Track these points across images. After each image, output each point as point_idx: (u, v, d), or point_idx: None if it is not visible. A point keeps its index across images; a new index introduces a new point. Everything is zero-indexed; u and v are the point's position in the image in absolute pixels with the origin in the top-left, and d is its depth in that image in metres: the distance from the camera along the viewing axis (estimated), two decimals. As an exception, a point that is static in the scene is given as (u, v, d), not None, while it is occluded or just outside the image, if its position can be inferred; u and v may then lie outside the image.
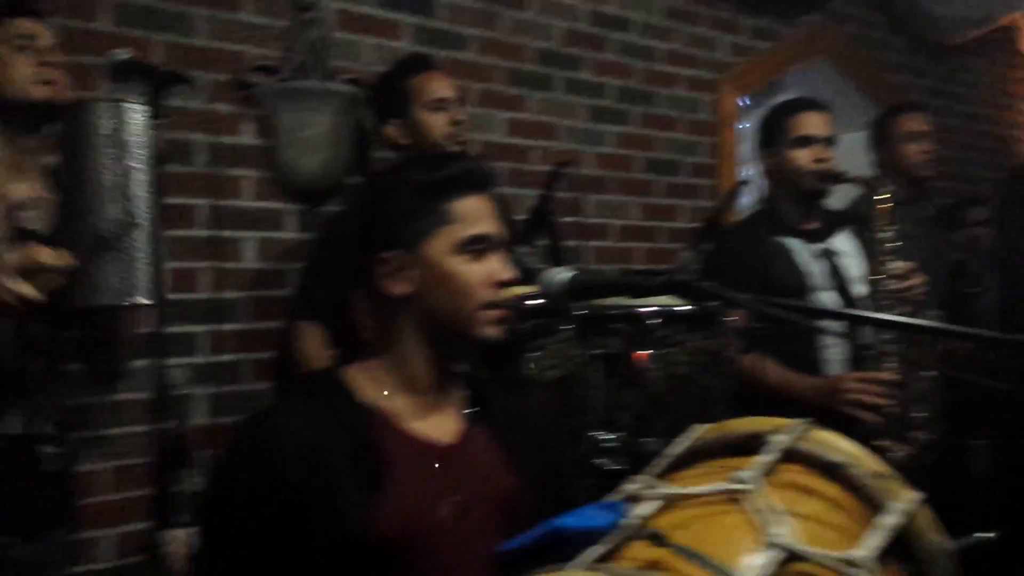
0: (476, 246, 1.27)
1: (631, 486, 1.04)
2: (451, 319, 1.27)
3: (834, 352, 2.58)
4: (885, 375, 2.45)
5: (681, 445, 1.25)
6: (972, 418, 2.61)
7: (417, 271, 1.26)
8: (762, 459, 1.23)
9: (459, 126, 2.36)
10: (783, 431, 1.30)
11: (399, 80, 2.37)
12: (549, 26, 3.18)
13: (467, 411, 1.33)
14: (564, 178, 2.43)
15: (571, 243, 3.25)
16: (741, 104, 4.02)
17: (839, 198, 3.03)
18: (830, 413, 2.49)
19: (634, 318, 2.22)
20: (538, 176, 3.11)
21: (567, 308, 1.95)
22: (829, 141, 2.63)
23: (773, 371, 2.54)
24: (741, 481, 1.08)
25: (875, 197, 2.58)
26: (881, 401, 2.43)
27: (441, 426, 1.29)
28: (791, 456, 1.26)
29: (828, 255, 2.64)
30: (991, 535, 1.79)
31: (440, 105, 2.33)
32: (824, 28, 3.97)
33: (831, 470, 1.23)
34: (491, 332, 1.28)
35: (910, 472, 2.46)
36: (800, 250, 2.63)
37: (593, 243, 3.32)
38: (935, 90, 4.52)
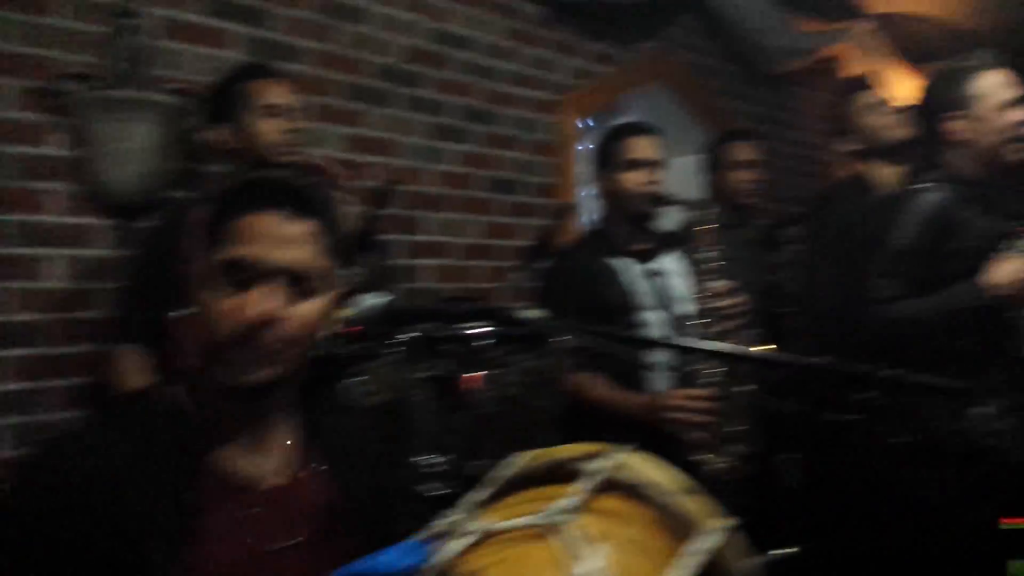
0: (236, 273, 1.12)
1: (446, 520, 1.01)
2: (208, 358, 1.13)
3: (660, 365, 2.66)
4: (705, 391, 2.54)
5: (503, 473, 1.24)
6: (784, 431, 2.74)
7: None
8: (581, 487, 1.23)
9: (293, 135, 2.31)
10: (603, 457, 1.32)
11: (232, 84, 2.30)
12: (389, 42, 3.16)
13: (298, 442, 1.26)
14: (392, 197, 2.40)
15: (409, 262, 3.24)
16: (582, 126, 4.12)
17: (671, 220, 3.14)
18: (656, 429, 2.57)
19: (465, 339, 2.21)
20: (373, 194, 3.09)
21: (382, 334, 1.92)
22: (658, 164, 2.71)
23: (600, 389, 2.60)
24: (556, 512, 1.08)
25: (698, 219, 2.69)
26: (702, 418, 2.52)
27: (266, 463, 1.21)
28: (609, 483, 1.28)
29: (656, 275, 2.71)
30: (792, 550, 1.87)
31: (272, 111, 2.28)
32: (661, 55, 4.11)
33: (646, 495, 1.25)
34: (241, 375, 1.12)
35: (728, 485, 2.57)
36: (629, 270, 2.70)
37: (434, 261, 3.30)
38: (764, 117, 4.76)
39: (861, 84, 3.53)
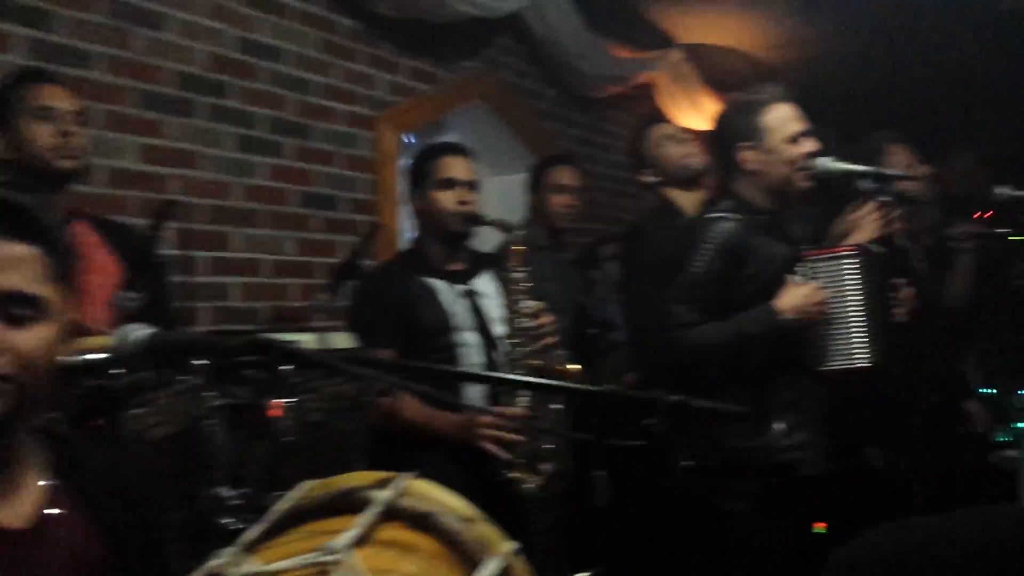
0: None
1: (215, 562, 0.95)
2: None
3: (472, 391, 2.64)
4: (518, 410, 2.55)
5: (281, 508, 1.17)
6: (594, 448, 2.78)
7: None
8: (362, 520, 1.18)
9: (66, 139, 2.16)
10: (386, 486, 1.27)
11: (5, 89, 2.16)
12: (191, 49, 3.00)
13: (47, 483, 1.16)
14: (169, 215, 2.28)
15: (217, 280, 3.09)
16: (407, 142, 4.08)
17: (488, 240, 3.15)
18: (469, 448, 2.55)
19: (266, 364, 2.11)
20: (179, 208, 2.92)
21: (144, 367, 1.80)
22: (472, 185, 2.71)
23: (412, 410, 2.55)
24: (332, 550, 1.03)
25: (511, 240, 2.70)
26: (514, 437, 2.52)
27: (11, 507, 1.11)
28: (393, 512, 1.23)
29: (471, 296, 2.70)
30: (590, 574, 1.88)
31: (45, 114, 2.14)
32: (481, 74, 4.14)
33: (432, 524, 1.21)
34: None
35: (541, 503, 2.58)
36: (444, 291, 2.67)
37: (243, 279, 3.16)
38: (584, 139, 4.88)
39: (657, 117, 3.68)
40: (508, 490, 2.57)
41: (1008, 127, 5.60)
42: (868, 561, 1.10)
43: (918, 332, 2.88)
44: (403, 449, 2.61)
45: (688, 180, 3.35)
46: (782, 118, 2.62)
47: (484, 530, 1.23)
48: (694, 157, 3.33)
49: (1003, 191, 3.47)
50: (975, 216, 4.20)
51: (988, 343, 4.41)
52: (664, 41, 4.99)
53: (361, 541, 1.17)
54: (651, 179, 3.43)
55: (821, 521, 2.92)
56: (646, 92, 5.10)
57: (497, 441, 2.50)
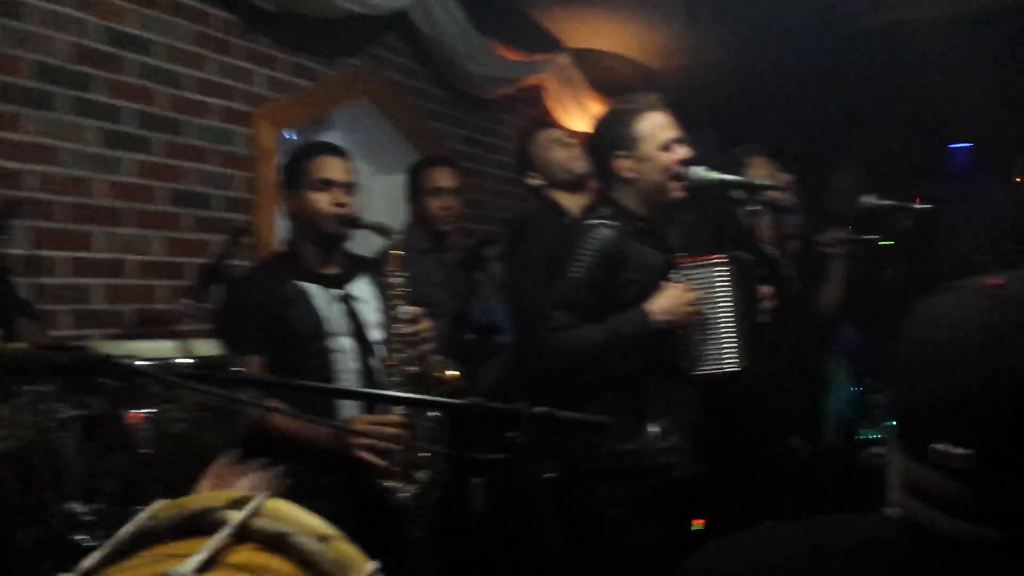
0: None
1: None
2: None
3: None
4: (394, 417, 2.51)
5: (127, 530, 1.11)
6: (471, 456, 2.77)
7: None
8: (211, 543, 1.13)
9: None
10: (240, 506, 1.21)
11: None
12: (51, 39, 2.84)
13: None
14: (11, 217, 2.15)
15: (78, 281, 2.93)
16: (288, 139, 3.97)
17: (368, 244, 3.09)
18: (343, 457, 2.49)
19: (124, 373, 2.02)
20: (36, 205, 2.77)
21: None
22: (349, 186, 2.65)
23: (283, 419, 2.48)
24: (179, 574, 0.98)
25: (390, 243, 2.65)
26: (390, 444, 2.48)
27: None
28: (246, 534, 1.18)
29: (347, 300, 2.64)
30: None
31: None
32: (367, 72, 4.06)
33: (284, 545, 1.16)
34: None
35: (416, 512, 2.54)
36: (319, 294, 2.60)
37: (107, 281, 3.01)
38: (471, 140, 4.86)
39: (545, 121, 3.70)
40: (383, 499, 2.53)
41: (876, 138, 5.87)
42: (719, 570, 1.10)
43: (787, 337, 2.97)
44: (274, 459, 2.53)
45: (573, 184, 3.37)
46: (655, 126, 2.66)
47: (343, 549, 1.19)
48: (579, 161, 3.35)
49: (868, 200, 3.62)
50: (847, 226, 4.38)
51: (855, 344, 4.60)
52: (552, 45, 5.02)
53: (209, 565, 1.12)
54: (537, 182, 3.44)
55: (695, 521, 2.99)
56: (534, 94, 5.12)
57: (372, 449, 2.46)
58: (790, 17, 4.13)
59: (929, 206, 3.66)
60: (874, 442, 4.16)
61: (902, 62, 4.93)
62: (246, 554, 1.15)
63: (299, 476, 2.49)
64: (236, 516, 1.17)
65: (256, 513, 1.19)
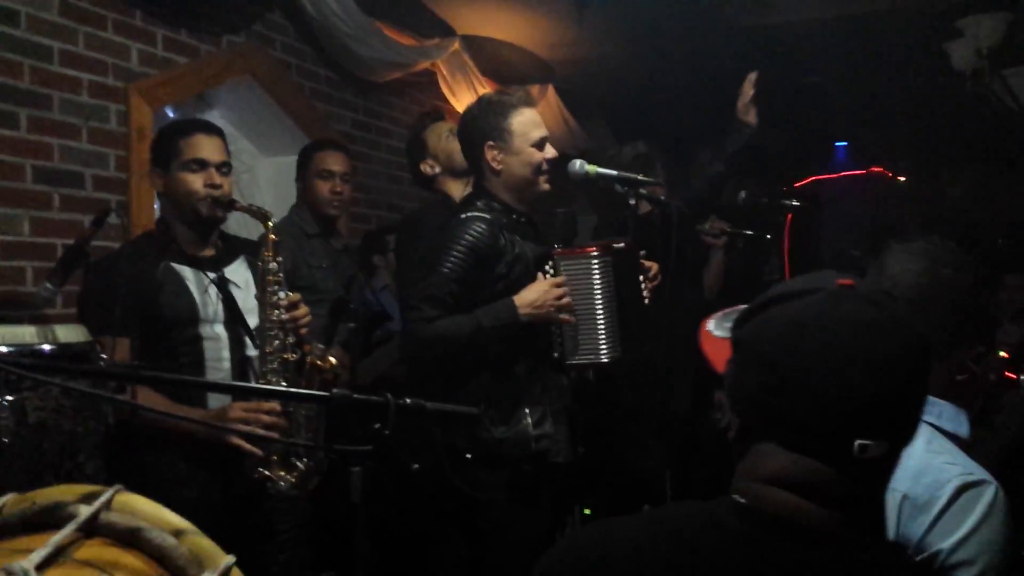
0: None
1: None
2: None
3: (220, 379, 2.53)
4: (272, 404, 2.46)
5: None
6: (335, 449, 2.75)
7: None
8: (56, 538, 1.09)
9: None
10: (90, 500, 1.17)
11: None
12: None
13: None
14: None
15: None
16: (169, 116, 3.83)
17: (251, 228, 3.02)
18: (217, 445, 2.44)
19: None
20: None
21: None
22: (224, 167, 2.57)
23: (157, 404, 2.40)
24: (14, 572, 0.95)
25: (269, 227, 2.59)
26: (268, 432, 2.45)
27: None
28: (96, 528, 1.14)
29: (222, 285, 2.57)
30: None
31: None
32: (249, 49, 3.95)
33: (136, 540, 1.13)
34: None
35: (295, 500, 2.50)
36: (192, 278, 2.53)
37: (-35, 261, 2.86)
38: (362, 123, 4.79)
39: (436, 115, 3.70)
40: (258, 489, 2.49)
41: (758, 135, 6.04)
42: (570, 564, 1.12)
43: (670, 322, 3.05)
44: (143, 448, 2.46)
45: (467, 173, 3.37)
46: (529, 123, 2.70)
47: (199, 544, 1.17)
48: None
49: (748, 196, 3.76)
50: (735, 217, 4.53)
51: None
52: (444, 31, 4.98)
53: (53, 560, 1.08)
54: (434, 169, 3.44)
55: (568, 507, 3.05)
56: (426, 80, 5.08)
57: (251, 437, 2.42)
58: (675, 15, 4.23)
59: (805, 204, 3.82)
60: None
61: (784, 62, 5.09)
62: (95, 549, 1.11)
63: (168, 465, 2.44)
64: (86, 510, 1.13)
65: (107, 507, 1.15)
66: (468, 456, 2.64)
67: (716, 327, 1.60)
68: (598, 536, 1.12)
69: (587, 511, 3.38)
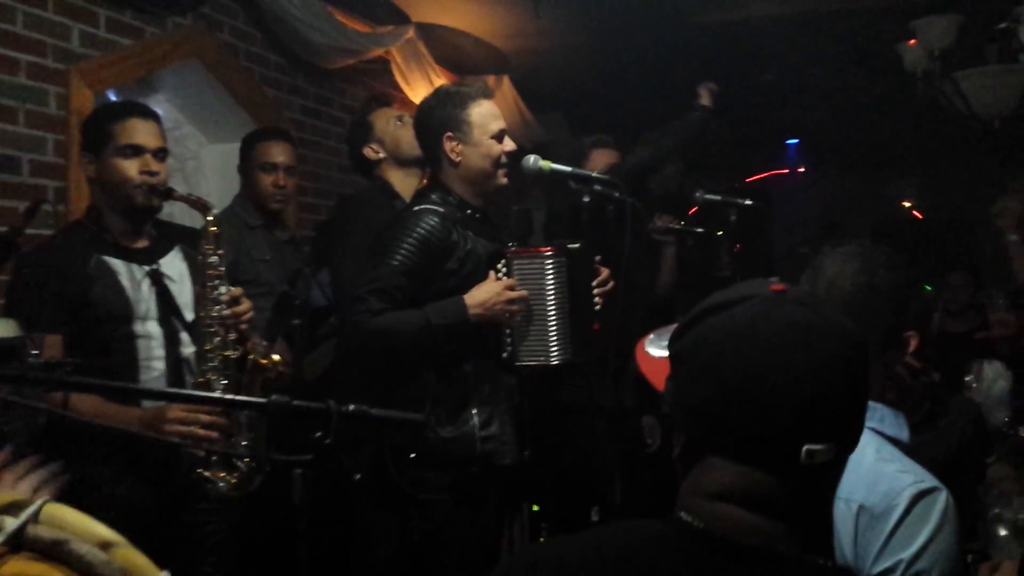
0: None
1: None
2: None
3: (158, 380, 2.45)
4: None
5: None
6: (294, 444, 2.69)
7: None
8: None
9: None
10: (17, 511, 1.11)
11: None
12: None
13: None
14: None
15: None
16: (111, 99, 3.71)
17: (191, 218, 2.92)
18: (156, 444, 2.36)
19: None
20: None
21: None
22: (160, 153, 2.47)
23: (90, 403, 2.31)
24: None
25: (209, 219, 2.51)
26: (207, 432, 2.38)
27: None
28: (21, 542, 1.08)
29: (156, 279, 2.48)
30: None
31: None
32: (196, 32, 3.83)
33: (62, 553, 1.07)
34: None
35: (233, 500, 2.43)
36: (125, 272, 2.43)
37: None
38: (312, 111, 4.69)
39: (384, 99, 3.63)
40: (193, 489, 2.43)
41: (713, 131, 6.07)
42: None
43: (626, 319, 3.03)
44: (75, 449, 2.37)
45: (413, 162, 3.31)
46: (488, 114, 2.66)
47: (130, 557, 1.12)
48: (415, 142, 3.31)
49: (699, 194, 3.76)
50: (684, 213, 4.53)
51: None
52: (399, 17, 4.90)
53: (-27, 577, 1.02)
54: (379, 155, 3.36)
55: (517, 506, 3.02)
56: (380, 67, 4.99)
57: (185, 436, 2.34)
58: (633, 9, 4.21)
59: (757, 203, 3.84)
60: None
61: (740, 58, 5.11)
62: (19, 564, 1.05)
63: (100, 464, 2.36)
64: (11, 523, 1.07)
65: (34, 519, 1.09)
66: (412, 456, 2.59)
67: (652, 346, 1.59)
68: (539, 559, 1.09)
69: (536, 508, 3.35)
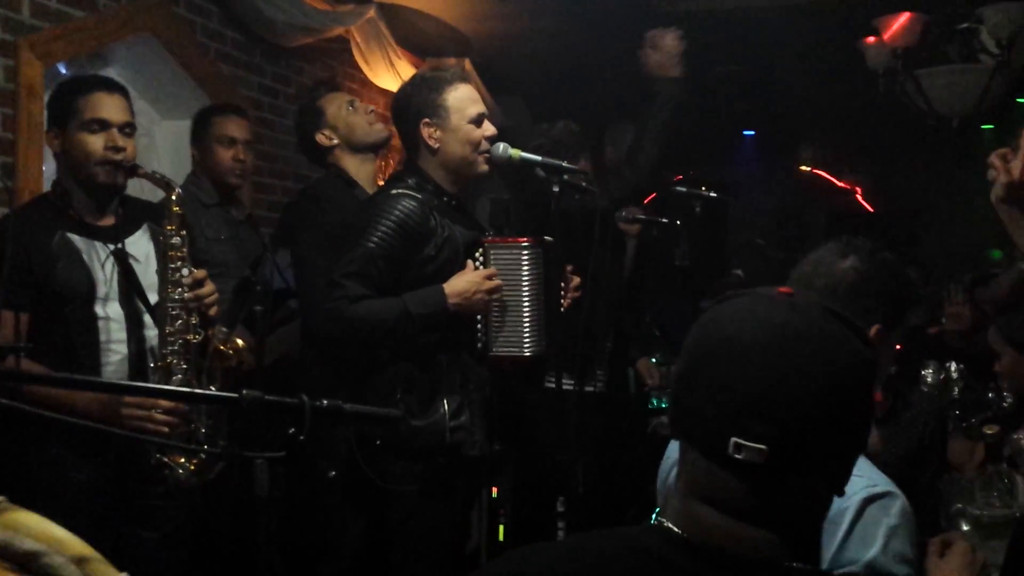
0: None
1: None
2: None
3: (112, 367, 2.38)
4: (171, 389, 2.33)
5: None
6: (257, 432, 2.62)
7: None
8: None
9: None
10: None
11: None
12: None
13: None
14: None
15: None
16: (61, 73, 3.57)
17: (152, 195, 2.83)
18: (113, 429, 2.29)
19: None
20: None
21: None
22: (126, 128, 2.41)
23: (42, 393, 2.23)
24: None
25: (170, 197, 2.44)
26: (166, 418, 2.33)
27: None
28: None
29: (121, 258, 2.42)
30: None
31: None
32: (151, 5, 3.71)
33: (32, 565, 1.02)
34: None
35: (193, 487, 2.36)
36: (88, 251, 2.37)
37: None
38: (269, 89, 4.57)
39: (332, 84, 3.56)
40: (155, 476, 2.37)
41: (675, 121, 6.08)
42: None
43: (593, 308, 3.02)
44: (29, 433, 2.30)
45: (368, 148, 3.25)
46: (465, 98, 2.62)
47: (100, 571, 1.07)
48: (379, 127, 3.25)
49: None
50: (644, 203, 4.54)
51: (650, 316, 4.81)
52: (360, -4, 4.80)
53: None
54: (331, 141, 3.29)
55: (477, 491, 3.00)
56: (339, 47, 4.89)
57: (146, 420, 2.29)
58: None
59: (718, 195, 3.85)
60: (664, 411, 4.36)
61: (700, 50, 5.12)
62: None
63: (55, 452, 2.28)
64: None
65: (2, 526, 1.04)
66: (378, 443, 2.55)
67: None
68: (512, 569, 1.06)
69: (495, 495, 3.34)
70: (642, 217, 4.13)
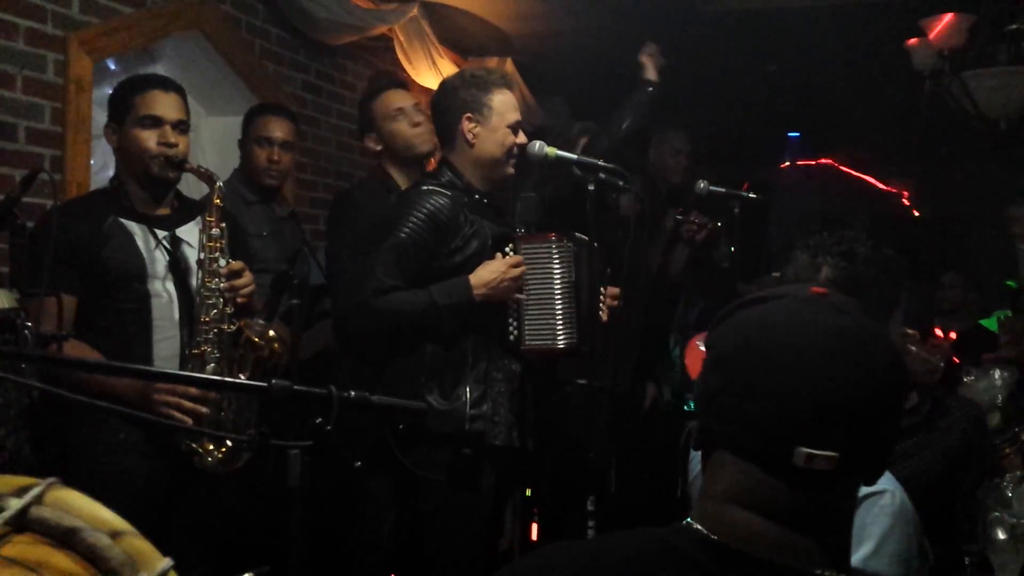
0: None
1: None
2: None
3: (164, 347, 2.45)
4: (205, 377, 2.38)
5: None
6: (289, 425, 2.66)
7: None
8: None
9: None
10: (20, 493, 1.09)
11: None
12: None
13: None
14: None
15: None
16: (111, 68, 3.66)
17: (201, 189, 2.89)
18: (150, 415, 2.34)
19: None
20: None
21: None
22: (180, 125, 2.50)
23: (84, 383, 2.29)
24: None
25: (214, 191, 2.51)
26: (197, 407, 2.38)
27: None
28: (23, 523, 1.06)
29: (174, 243, 2.51)
30: (264, 570, 1.78)
31: None
32: (197, 2, 3.77)
33: (68, 538, 1.05)
34: None
35: (221, 475, 2.41)
36: (141, 235, 2.45)
37: None
38: (313, 87, 4.63)
39: (389, 81, 3.57)
40: (187, 462, 2.42)
41: (716, 122, 6.05)
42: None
43: (634, 308, 3.01)
44: (71, 418, 2.36)
45: (410, 160, 3.27)
46: (507, 103, 2.68)
47: (135, 545, 1.10)
48: (423, 139, 3.25)
49: (702, 186, 3.73)
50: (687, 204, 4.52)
51: (690, 316, 4.79)
52: (403, -5, 4.84)
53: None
54: (376, 147, 3.33)
55: (510, 491, 3.00)
56: (383, 45, 4.93)
57: (179, 408, 2.35)
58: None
59: (758, 196, 3.82)
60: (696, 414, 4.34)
61: (743, 50, 5.07)
62: (22, 546, 1.03)
63: (96, 435, 2.35)
64: (16, 503, 1.05)
65: (39, 501, 1.07)
66: (401, 427, 2.57)
67: (702, 342, 1.60)
68: (540, 564, 1.06)
69: (528, 493, 3.34)
70: (705, 222, 4.12)
